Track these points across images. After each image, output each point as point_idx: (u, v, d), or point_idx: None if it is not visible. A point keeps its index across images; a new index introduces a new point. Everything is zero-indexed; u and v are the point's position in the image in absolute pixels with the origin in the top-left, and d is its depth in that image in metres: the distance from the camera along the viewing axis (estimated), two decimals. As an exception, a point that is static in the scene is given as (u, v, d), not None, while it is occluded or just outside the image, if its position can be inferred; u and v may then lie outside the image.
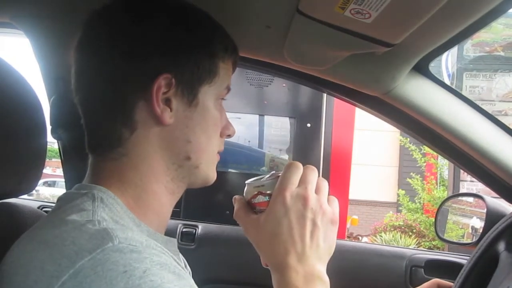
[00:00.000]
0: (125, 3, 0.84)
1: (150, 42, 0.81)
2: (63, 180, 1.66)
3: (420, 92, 1.22)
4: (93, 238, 0.66)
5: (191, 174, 0.88)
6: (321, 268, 0.83)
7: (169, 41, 0.82)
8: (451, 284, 1.24)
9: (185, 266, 1.05)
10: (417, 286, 1.37)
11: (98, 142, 0.85)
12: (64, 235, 0.68)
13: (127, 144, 0.82)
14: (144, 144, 0.82)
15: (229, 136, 0.96)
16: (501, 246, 1.15)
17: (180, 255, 1.03)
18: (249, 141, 3.01)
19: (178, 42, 0.83)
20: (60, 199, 0.82)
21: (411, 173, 10.31)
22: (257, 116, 2.99)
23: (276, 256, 0.83)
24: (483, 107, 1.28)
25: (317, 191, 0.85)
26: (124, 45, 0.81)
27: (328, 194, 0.88)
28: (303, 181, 0.85)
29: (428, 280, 1.36)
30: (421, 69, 1.20)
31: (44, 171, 1.01)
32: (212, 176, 0.93)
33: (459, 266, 1.54)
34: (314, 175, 0.86)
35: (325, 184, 0.87)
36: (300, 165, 0.87)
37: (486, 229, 1.28)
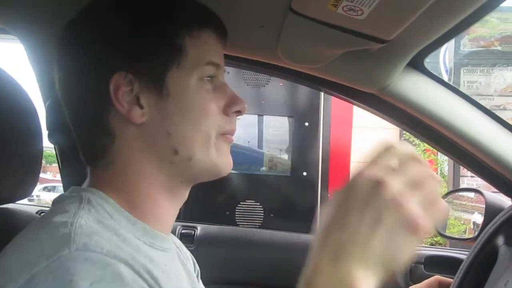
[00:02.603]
0: (79, 18, 0.83)
1: (97, 46, 0.78)
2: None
3: (416, 88, 1.22)
4: (55, 243, 0.64)
5: (187, 169, 0.82)
6: (360, 277, 0.59)
7: (112, 37, 0.78)
8: (451, 280, 1.24)
9: (194, 264, 1.04)
10: (417, 282, 1.36)
11: (85, 153, 0.84)
12: (36, 238, 0.67)
13: (111, 152, 0.80)
14: (127, 149, 0.80)
15: (239, 112, 0.87)
16: (500, 240, 1.15)
17: (187, 253, 1.02)
18: (248, 142, 3.00)
19: (122, 34, 0.78)
20: (53, 202, 0.81)
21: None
22: (255, 116, 2.99)
23: (316, 237, 0.66)
24: (482, 102, 1.28)
25: (410, 184, 0.60)
26: (76, 53, 0.80)
27: (435, 200, 0.62)
28: (393, 165, 0.63)
29: (428, 276, 1.36)
30: (416, 65, 1.20)
31: (44, 176, 1.01)
32: (220, 167, 0.85)
33: (459, 261, 1.53)
34: (414, 165, 0.63)
35: (430, 182, 0.62)
36: (397, 147, 0.67)
37: (485, 223, 1.28)
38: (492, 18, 7.12)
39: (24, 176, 0.94)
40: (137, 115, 0.78)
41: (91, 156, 0.83)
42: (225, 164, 0.86)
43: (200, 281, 1.04)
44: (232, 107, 0.86)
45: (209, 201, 2.66)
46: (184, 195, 0.87)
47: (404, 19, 0.85)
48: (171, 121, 0.79)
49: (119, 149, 0.80)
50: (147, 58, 0.78)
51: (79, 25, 0.82)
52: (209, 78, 0.83)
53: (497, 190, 1.38)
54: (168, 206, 0.85)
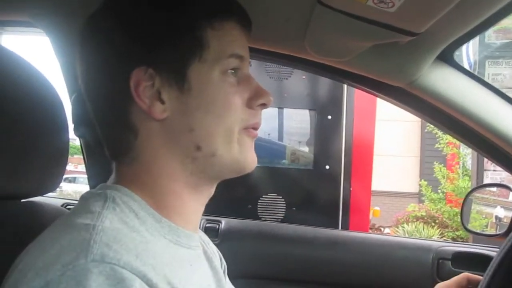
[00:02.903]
0: (99, 11, 0.82)
1: (117, 41, 0.77)
2: (83, 176, 1.67)
3: (445, 81, 1.20)
4: (73, 250, 0.63)
5: (211, 165, 0.80)
6: None
7: (132, 30, 0.76)
8: (481, 277, 1.22)
9: (220, 259, 1.03)
10: (445, 279, 1.35)
11: (111, 149, 0.83)
12: (58, 240, 0.67)
13: (135, 149, 0.79)
14: (150, 145, 0.78)
15: (264, 105, 0.85)
16: (533, 237, 1.12)
17: (213, 248, 1.02)
18: (269, 134, 3.00)
19: (142, 28, 0.77)
20: (80, 198, 0.80)
21: (434, 162, 10.23)
22: (276, 109, 2.98)
23: None
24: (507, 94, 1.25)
25: None
26: (94, 52, 0.79)
27: None
28: None
29: (456, 273, 1.34)
30: (446, 58, 1.18)
31: (66, 167, 1.01)
32: (244, 162, 0.83)
33: (488, 258, 1.52)
34: None
35: None
36: None
37: (515, 220, 1.26)
38: (518, 10, 7.00)
39: (51, 169, 0.94)
40: (159, 110, 0.76)
41: (115, 151, 0.82)
42: (249, 160, 0.84)
43: (227, 277, 1.04)
44: (256, 100, 0.83)
45: (231, 195, 2.66)
46: (210, 191, 0.86)
47: (436, 12, 0.83)
48: (193, 116, 0.78)
49: (142, 145, 0.79)
50: (167, 52, 0.77)
51: (99, 18, 0.81)
52: (232, 71, 0.81)
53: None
54: (193, 202, 0.83)
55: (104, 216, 0.70)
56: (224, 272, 1.02)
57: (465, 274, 1.30)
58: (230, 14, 0.82)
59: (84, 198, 0.78)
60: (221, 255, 1.04)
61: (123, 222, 0.71)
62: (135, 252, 0.65)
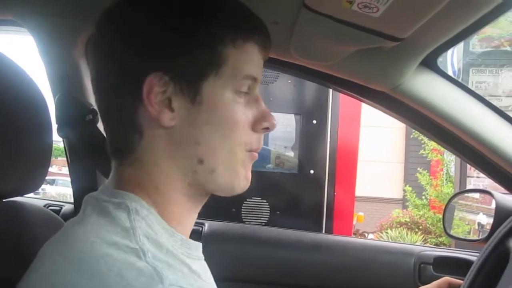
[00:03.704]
0: (109, 10, 0.80)
1: (135, 43, 0.75)
2: (63, 178, 1.66)
3: (428, 87, 1.21)
4: (142, 275, 0.63)
5: (208, 182, 0.79)
6: None
7: (154, 35, 0.75)
8: (461, 282, 1.23)
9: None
10: (426, 283, 1.36)
11: (114, 148, 0.81)
12: (108, 261, 0.65)
13: (138, 150, 0.78)
14: (153, 149, 0.77)
15: (267, 129, 0.84)
16: (512, 242, 1.14)
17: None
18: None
19: (164, 34, 0.75)
20: (88, 203, 0.78)
21: (418, 169, 10.30)
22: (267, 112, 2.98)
23: None
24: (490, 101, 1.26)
25: None
26: (110, 51, 0.78)
27: None
28: None
29: (437, 277, 1.36)
30: (429, 63, 1.19)
31: (50, 169, 1.00)
32: (239, 183, 0.82)
33: (468, 263, 1.53)
34: None
35: None
36: None
37: (495, 225, 1.27)
38: (502, 19, 7.10)
39: (34, 169, 0.93)
40: (167, 118, 0.75)
41: (118, 149, 0.81)
42: (243, 184, 0.83)
43: None
44: (261, 123, 0.82)
45: (215, 198, 2.64)
46: (202, 203, 0.85)
47: (419, 18, 0.84)
48: (200, 129, 0.77)
49: (146, 148, 0.78)
50: (186, 62, 0.75)
51: (121, 15, 0.79)
52: (245, 92, 0.80)
53: (507, 192, 1.37)
54: (190, 212, 0.83)
55: (139, 234, 0.70)
56: None
57: (446, 278, 1.31)
58: (253, 34, 0.80)
59: (99, 206, 0.76)
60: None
61: (153, 241, 0.71)
62: (185, 273, 0.70)
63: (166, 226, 0.76)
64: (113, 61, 0.77)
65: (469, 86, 7.06)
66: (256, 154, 0.84)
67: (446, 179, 10.05)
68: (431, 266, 1.72)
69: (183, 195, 0.80)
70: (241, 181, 0.82)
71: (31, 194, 1.12)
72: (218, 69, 0.76)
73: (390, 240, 8.90)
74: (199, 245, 0.82)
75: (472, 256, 1.68)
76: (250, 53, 0.80)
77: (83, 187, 1.63)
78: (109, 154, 0.83)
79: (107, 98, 0.80)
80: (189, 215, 0.83)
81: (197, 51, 0.75)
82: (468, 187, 6.94)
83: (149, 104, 0.74)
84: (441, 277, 1.34)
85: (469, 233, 1.58)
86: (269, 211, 2.90)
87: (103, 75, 0.80)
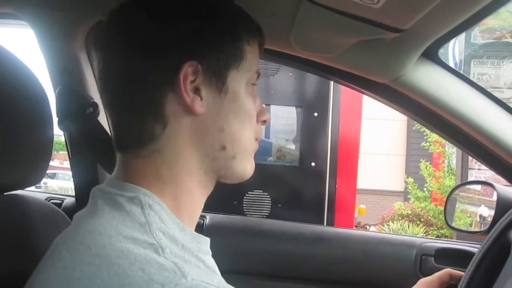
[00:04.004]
0: (139, 3, 0.82)
1: (170, 33, 0.78)
2: (63, 172, 1.66)
3: (429, 78, 1.20)
4: (164, 270, 0.64)
5: (228, 167, 0.85)
6: None
7: (188, 30, 0.79)
8: (463, 273, 1.24)
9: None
10: (428, 275, 1.36)
11: (129, 140, 0.81)
12: (129, 256, 0.66)
13: (159, 140, 0.79)
14: (177, 138, 0.79)
15: (264, 122, 0.92)
16: (513, 234, 1.14)
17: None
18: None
19: (198, 30, 0.80)
20: (97, 196, 0.79)
21: (421, 160, 10.31)
22: (263, 106, 2.98)
23: None
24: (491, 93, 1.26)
25: None
26: (144, 40, 0.79)
27: None
28: None
29: (439, 269, 1.36)
30: (431, 55, 1.19)
31: (52, 163, 1.00)
32: (250, 169, 0.89)
33: (470, 254, 1.53)
34: None
35: None
36: None
37: (497, 217, 1.27)
38: (504, 10, 7.08)
39: (35, 162, 0.94)
40: (198, 105, 0.79)
41: (132, 141, 0.80)
42: (251, 171, 0.89)
43: None
44: (261, 116, 0.90)
45: (216, 191, 2.65)
46: (208, 194, 0.88)
47: (420, 9, 0.84)
48: (226, 117, 0.82)
49: (169, 138, 0.79)
50: (215, 53, 0.80)
51: (150, 7, 0.81)
52: (252, 86, 0.88)
53: (508, 183, 1.37)
54: (199, 200, 0.85)
55: (155, 229, 0.71)
56: None
57: (447, 270, 1.31)
58: (259, 36, 0.89)
59: (112, 200, 0.77)
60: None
61: (167, 236, 0.72)
62: (202, 269, 0.71)
63: (177, 221, 0.77)
64: (143, 50, 0.79)
65: (471, 78, 7.05)
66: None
67: (447, 171, 10.06)
68: (433, 258, 1.72)
69: (198, 183, 0.83)
70: (251, 167, 0.89)
71: (32, 188, 1.12)
72: (239, 63, 0.83)
73: (392, 233, 8.92)
74: (207, 240, 0.83)
75: (473, 247, 1.68)
76: (256, 51, 0.88)
77: (85, 181, 1.64)
78: (116, 148, 0.83)
79: (128, 84, 0.80)
80: (198, 206, 0.86)
81: (227, 45, 0.81)
82: (470, 179, 6.94)
83: (185, 91, 0.77)
84: (443, 268, 1.34)
85: (470, 225, 1.58)
86: (270, 204, 2.90)
87: (122, 66, 0.80)
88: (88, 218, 0.76)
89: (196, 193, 0.83)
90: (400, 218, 10.07)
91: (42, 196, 1.89)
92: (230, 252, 1.76)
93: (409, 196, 11.21)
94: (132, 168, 0.80)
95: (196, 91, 0.79)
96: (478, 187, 1.64)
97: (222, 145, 0.82)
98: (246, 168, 0.87)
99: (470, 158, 6.71)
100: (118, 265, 0.65)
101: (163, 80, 0.78)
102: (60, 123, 1.20)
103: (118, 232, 0.70)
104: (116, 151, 0.83)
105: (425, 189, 10.45)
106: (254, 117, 0.87)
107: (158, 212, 0.74)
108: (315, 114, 2.98)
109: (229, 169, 0.85)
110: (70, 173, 1.69)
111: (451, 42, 7.26)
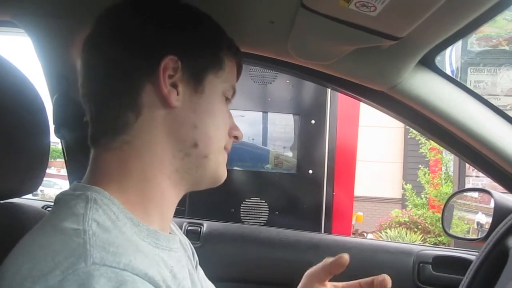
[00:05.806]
0: (129, 4, 0.84)
1: (155, 29, 0.82)
2: (59, 180, 1.65)
3: (426, 86, 1.21)
4: (71, 255, 0.63)
5: (199, 166, 0.86)
6: None
7: (174, 30, 0.84)
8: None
9: (193, 253, 1.05)
10: (425, 282, 1.36)
11: (102, 130, 0.82)
12: (49, 247, 0.66)
13: (131, 130, 0.80)
14: (149, 130, 0.81)
15: (236, 138, 0.94)
16: (511, 241, 1.14)
17: (188, 247, 1.02)
18: (253, 139, 3.00)
19: (183, 31, 0.84)
20: (56, 200, 0.79)
21: (420, 166, 10.30)
22: (260, 113, 2.98)
23: None
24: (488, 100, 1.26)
25: None
26: (129, 32, 0.82)
27: None
28: None
29: (436, 276, 1.35)
30: (427, 63, 1.19)
31: (49, 171, 1.00)
32: (222, 174, 0.91)
33: (467, 262, 1.53)
34: None
35: None
36: None
37: (494, 224, 1.27)
38: (500, 18, 7.11)
39: (32, 170, 0.93)
40: (174, 98, 0.81)
41: (109, 132, 0.81)
42: (223, 175, 0.92)
43: (200, 268, 1.07)
44: (233, 131, 0.93)
45: (214, 198, 2.66)
46: (183, 193, 0.89)
47: (417, 17, 0.84)
48: (200, 116, 0.84)
49: (142, 128, 0.81)
50: (196, 55, 0.84)
51: (138, 8, 0.85)
52: (227, 98, 0.91)
53: (505, 190, 1.37)
54: (171, 200, 0.86)
55: (90, 219, 0.70)
56: (196, 267, 1.04)
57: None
58: (237, 55, 0.94)
59: (63, 200, 0.77)
60: (193, 248, 1.06)
61: (109, 224, 0.71)
62: (131, 253, 0.66)
63: (130, 216, 0.76)
64: (127, 41, 0.82)
65: (468, 85, 7.07)
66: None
67: (445, 178, 10.06)
68: (430, 265, 1.72)
69: (168, 180, 0.83)
70: (223, 171, 0.92)
71: (29, 196, 1.12)
72: (218, 70, 0.87)
73: (389, 240, 8.91)
74: (170, 237, 0.83)
75: (471, 255, 1.68)
76: (234, 67, 0.94)
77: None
78: (90, 141, 0.84)
79: (106, 77, 0.82)
80: (171, 204, 0.86)
81: (207, 49, 0.86)
82: (467, 186, 6.94)
83: (163, 82, 0.80)
84: (440, 276, 1.33)
85: (468, 232, 1.58)
86: (268, 211, 2.89)
87: (105, 56, 0.82)
88: (41, 220, 0.77)
89: (167, 189, 0.84)
90: (397, 225, 10.06)
91: (39, 204, 1.88)
92: (227, 260, 1.76)
93: (406, 203, 11.20)
94: (100, 164, 0.82)
95: (174, 86, 0.82)
96: (475, 194, 1.64)
97: (194, 142, 0.84)
98: (218, 169, 0.90)
99: (467, 165, 6.72)
100: (38, 258, 0.64)
101: (144, 68, 0.81)
102: (56, 131, 1.20)
103: (52, 226, 0.70)
104: (90, 146, 0.85)
105: (422, 196, 10.44)
106: (227, 126, 0.90)
107: (105, 205, 0.74)
108: (313, 121, 2.98)
109: (200, 168, 0.86)
110: (63, 181, 1.68)
111: (448, 50, 7.28)
